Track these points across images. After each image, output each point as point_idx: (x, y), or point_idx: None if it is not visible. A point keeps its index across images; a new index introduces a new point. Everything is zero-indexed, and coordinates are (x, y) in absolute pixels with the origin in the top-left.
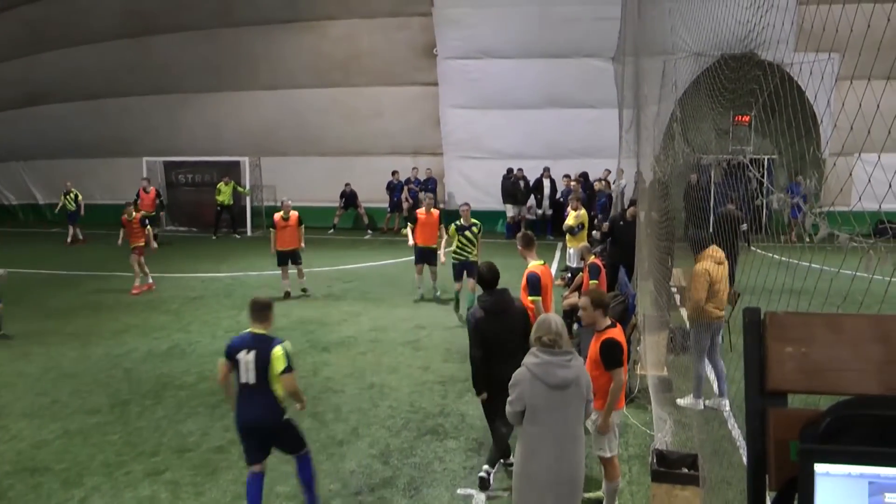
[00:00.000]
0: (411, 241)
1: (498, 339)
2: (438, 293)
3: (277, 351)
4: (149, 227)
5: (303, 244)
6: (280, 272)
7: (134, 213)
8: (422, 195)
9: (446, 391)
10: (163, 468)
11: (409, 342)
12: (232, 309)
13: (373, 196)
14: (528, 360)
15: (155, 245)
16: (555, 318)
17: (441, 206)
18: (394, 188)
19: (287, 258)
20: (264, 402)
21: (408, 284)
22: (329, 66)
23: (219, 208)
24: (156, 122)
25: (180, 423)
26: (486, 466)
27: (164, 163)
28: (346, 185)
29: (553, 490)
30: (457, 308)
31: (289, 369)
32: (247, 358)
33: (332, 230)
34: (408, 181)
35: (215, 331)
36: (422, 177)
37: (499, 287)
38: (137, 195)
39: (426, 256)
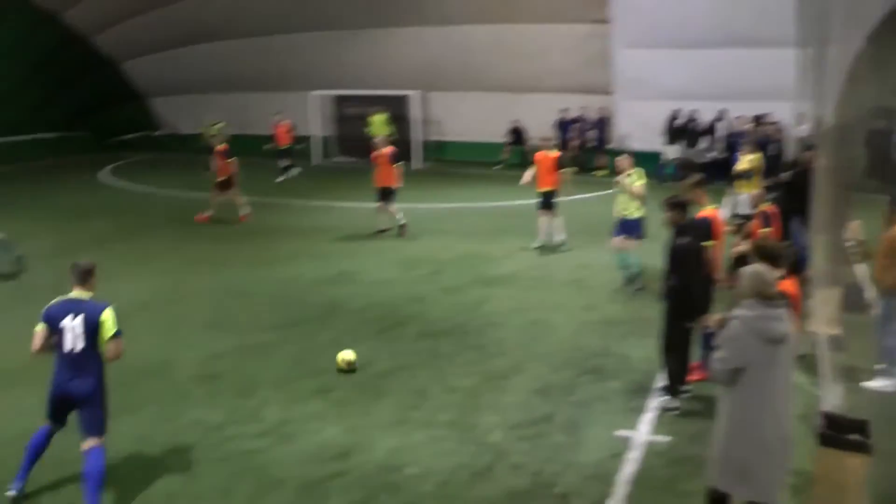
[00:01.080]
0: (524, 180)
1: (703, 266)
2: (565, 245)
3: (107, 314)
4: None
5: (396, 184)
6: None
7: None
8: (576, 133)
9: (609, 332)
10: (330, 387)
11: (572, 281)
12: (397, 240)
13: (542, 134)
14: (744, 312)
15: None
16: (765, 269)
17: (611, 146)
18: (563, 126)
19: (381, 194)
20: (88, 370)
21: (573, 223)
22: (496, 2)
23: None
24: (323, 58)
25: (348, 346)
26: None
27: (334, 97)
28: (515, 121)
29: (769, 448)
30: (630, 281)
31: (119, 333)
32: (73, 324)
33: (499, 166)
34: (576, 120)
35: (382, 260)
36: (592, 116)
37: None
38: (273, 130)
39: (543, 201)
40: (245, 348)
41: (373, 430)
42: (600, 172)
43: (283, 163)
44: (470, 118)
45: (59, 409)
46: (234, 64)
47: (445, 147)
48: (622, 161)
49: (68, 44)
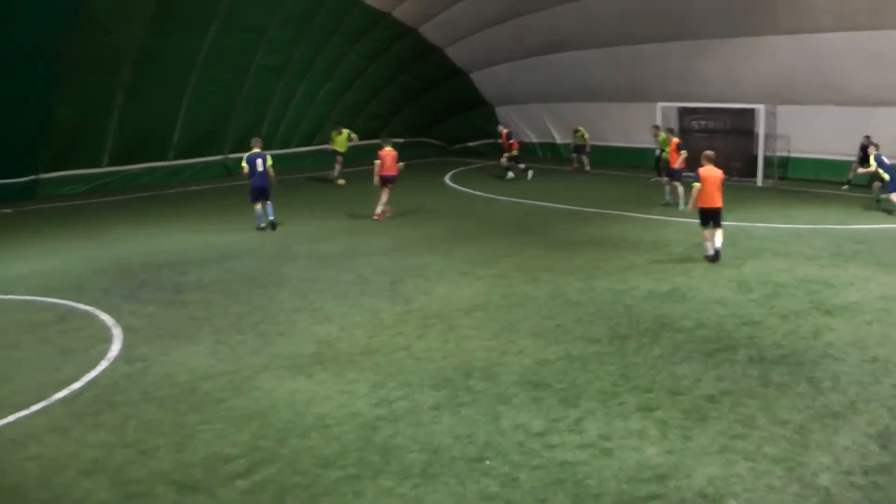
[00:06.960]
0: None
1: None
2: None
3: None
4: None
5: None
6: None
7: None
8: None
9: None
10: (654, 406)
11: None
12: (735, 259)
13: None
14: None
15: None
16: None
17: None
18: None
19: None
20: None
21: None
22: (855, 7)
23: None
24: (670, 69)
25: (675, 366)
26: None
27: (679, 109)
28: (866, 137)
29: None
30: None
31: None
32: None
33: (846, 186)
34: None
35: (717, 278)
36: None
37: None
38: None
39: None
40: (571, 358)
41: (694, 455)
42: None
43: (518, 165)
44: (819, 133)
45: None
46: (585, 74)
47: (790, 164)
48: None
49: (423, 55)
